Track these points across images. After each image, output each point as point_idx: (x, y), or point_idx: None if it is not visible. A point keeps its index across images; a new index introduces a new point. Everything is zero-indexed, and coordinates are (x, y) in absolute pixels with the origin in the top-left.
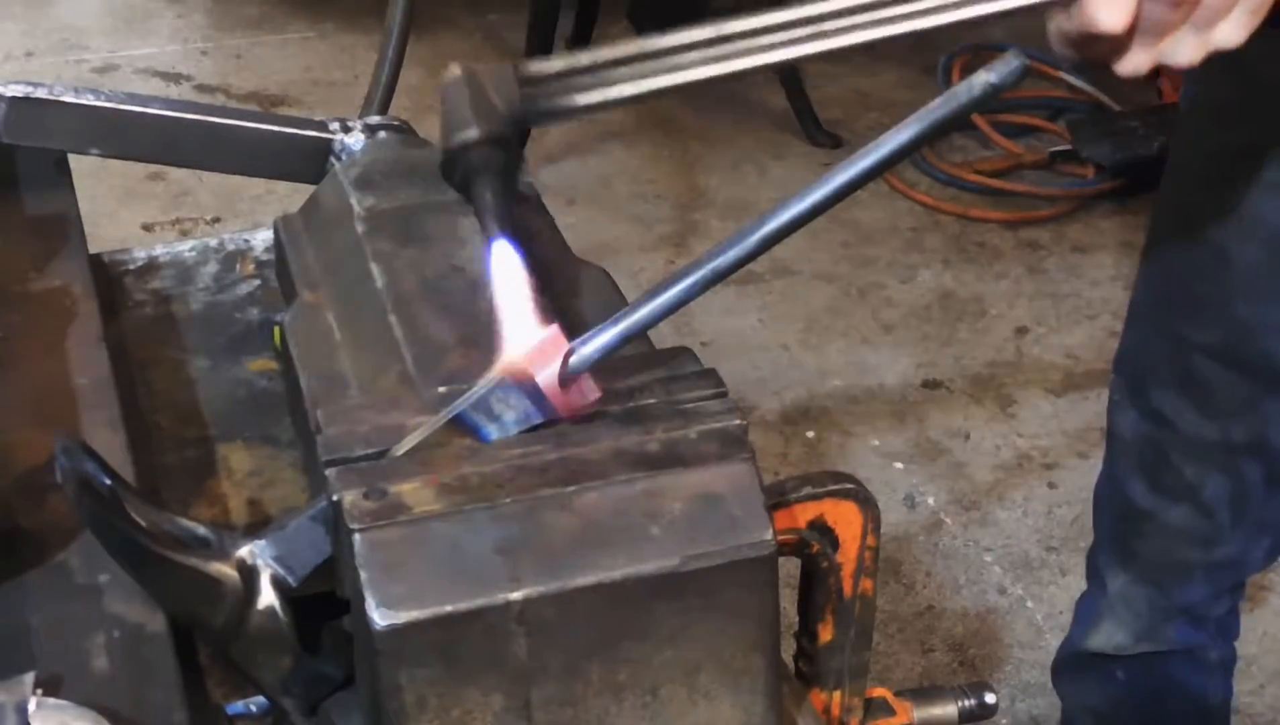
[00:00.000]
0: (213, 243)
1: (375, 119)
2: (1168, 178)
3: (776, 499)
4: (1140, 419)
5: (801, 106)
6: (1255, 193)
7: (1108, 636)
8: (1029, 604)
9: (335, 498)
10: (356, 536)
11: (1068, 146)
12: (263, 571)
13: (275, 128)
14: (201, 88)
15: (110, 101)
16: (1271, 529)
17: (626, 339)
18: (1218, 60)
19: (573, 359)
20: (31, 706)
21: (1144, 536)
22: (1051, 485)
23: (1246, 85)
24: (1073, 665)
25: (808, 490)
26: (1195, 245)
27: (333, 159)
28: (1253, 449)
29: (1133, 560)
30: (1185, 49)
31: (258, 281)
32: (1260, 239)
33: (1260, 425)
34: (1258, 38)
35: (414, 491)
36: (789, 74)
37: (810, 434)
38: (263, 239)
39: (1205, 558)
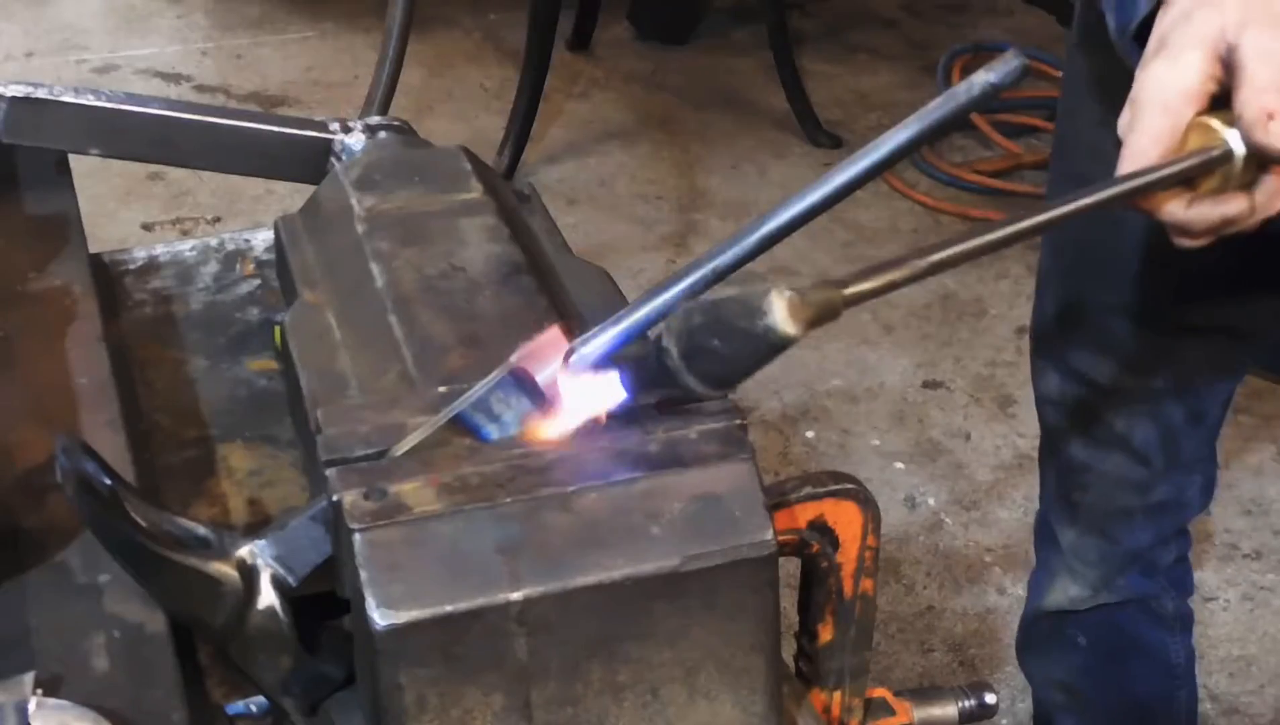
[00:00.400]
0: (213, 242)
1: (375, 119)
2: (1055, 150)
3: (776, 499)
4: (1063, 380)
5: (801, 107)
6: None
7: (1064, 591)
8: None
9: (335, 498)
10: (356, 536)
11: None
12: (263, 571)
13: (275, 128)
14: (201, 88)
15: (110, 101)
16: (1200, 467)
17: (626, 339)
18: (1096, 35)
19: (573, 359)
20: (31, 706)
21: (1085, 488)
22: None
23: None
24: (1035, 635)
25: (808, 490)
26: (1095, 219)
27: (333, 159)
28: (1172, 393)
29: (1077, 513)
30: None
31: (258, 281)
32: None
33: (1177, 370)
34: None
35: (414, 491)
36: (789, 74)
37: (810, 434)
38: (263, 239)
39: (1144, 501)
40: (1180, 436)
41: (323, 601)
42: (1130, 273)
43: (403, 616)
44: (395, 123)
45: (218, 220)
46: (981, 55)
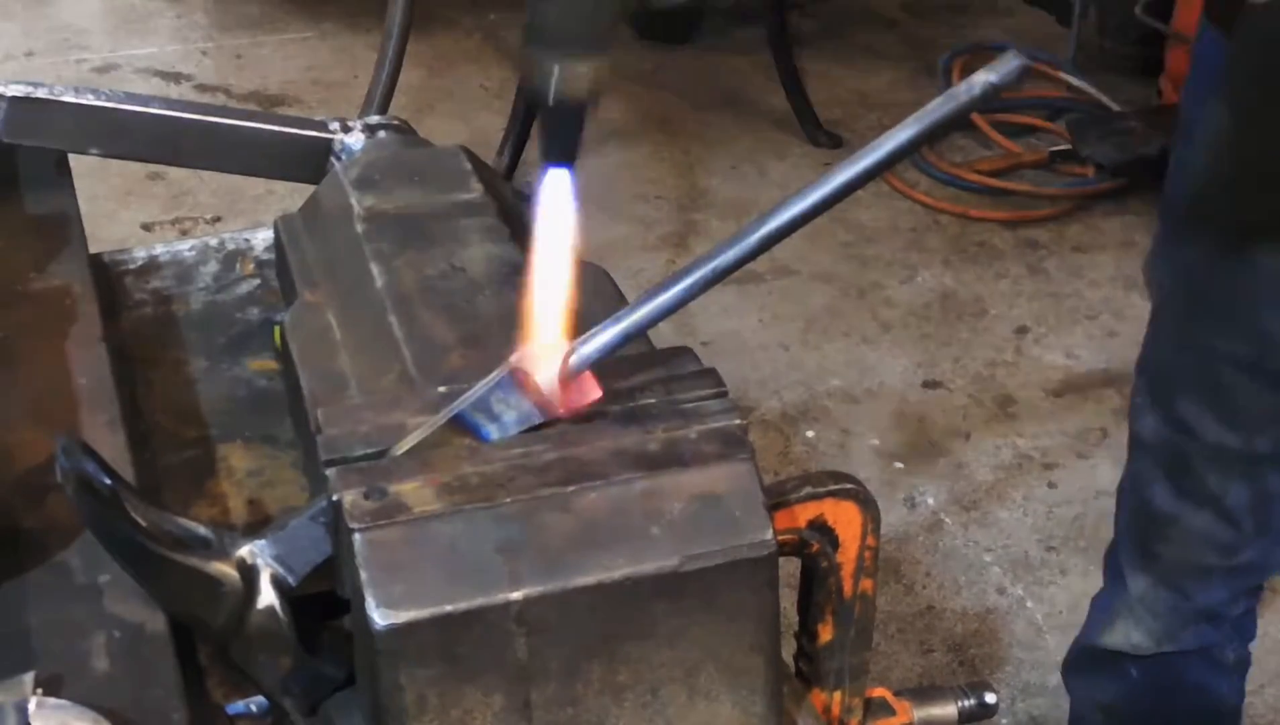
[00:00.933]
0: (213, 242)
1: (375, 119)
2: (1177, 178)
3: (776, 499)
4: (1162, 424)
5: (801, 107)
6: None
7: (1125, 636)
8: (1029, 604)
9: (335, 498)
10: (356, 536)
11: (1068, 146)
12: (263, 571)
13: (275, 127)
14: (201, 88)
15: (110, 101)
16: None
17: (626, 339)
18: (1241, 59)
19: (573, 359)
20: (31, 706)
21: (1167, 540)
22: (1051, 485)
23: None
24: (1086, 661)
25: (808, 490)
26: (1219, 252)
27: (333, 159)
28: (1277, 459)
29: (1154, 563)
30: None
31: (258, 281)
32: None
33: None
34: None
35: (414, 491)
36: (789, 74)
37: (810, 434)
38: (263, 239)
39: (1227, 563)
40: (1276, 504)
41: (323, 601)
42: (1256, 322)
43: (403, 616)
44: (395, 122)
45: (218, 220)
46: (981, 55)
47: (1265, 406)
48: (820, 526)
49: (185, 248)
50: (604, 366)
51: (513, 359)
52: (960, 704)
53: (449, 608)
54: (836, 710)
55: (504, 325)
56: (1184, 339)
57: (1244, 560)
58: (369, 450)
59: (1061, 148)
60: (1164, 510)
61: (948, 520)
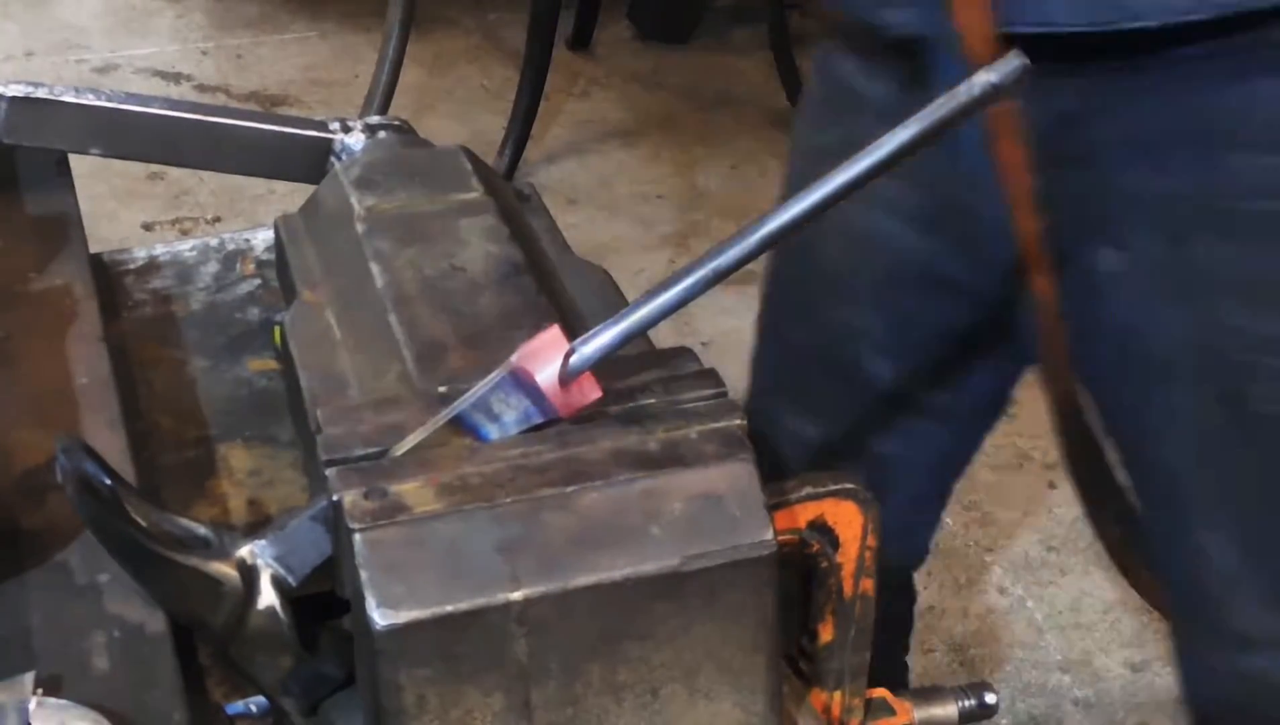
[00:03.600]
0: (213, 242)
1: (375, 119)
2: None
3: (776, 499)
4: (761, 416)
5: None
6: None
7: None
8: (1029, 604)
9: (335, 498)
10: (356, 536)
11: None
12: (263, 571)
13: (275, 127)
14: (201, 88)
15: (110, 101)
16: (894, 539)
17: (626, 339)
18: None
19: (573, 359)
20: (31, 706)
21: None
22: (1051, 485)
23: (830, 85)
24: None
25: (808, 490)
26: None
27: (333, 159)
28: (855, 455)
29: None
30: None
31: (258, 281)
32: (842, 238)
33: (860, 433)
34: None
35: (414, 491)
36: (789, 74)
37: None
38: (263, 239)
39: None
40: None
41: (323, 601)
42: (815, 311)
43: (403, 616)
44: (395, 122)
45: (218, 220)
46: None
47: (834, 399)
48: (820, 526)
49: (185, 248)
50: (604, 366)
51: (513, 359)
52: (960, 704)
53: (449, 608)
54: (836, 710)
55: (504, 325)
56: (765, 324)
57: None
58: (369, 450)
59: None
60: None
61: (948, 520)
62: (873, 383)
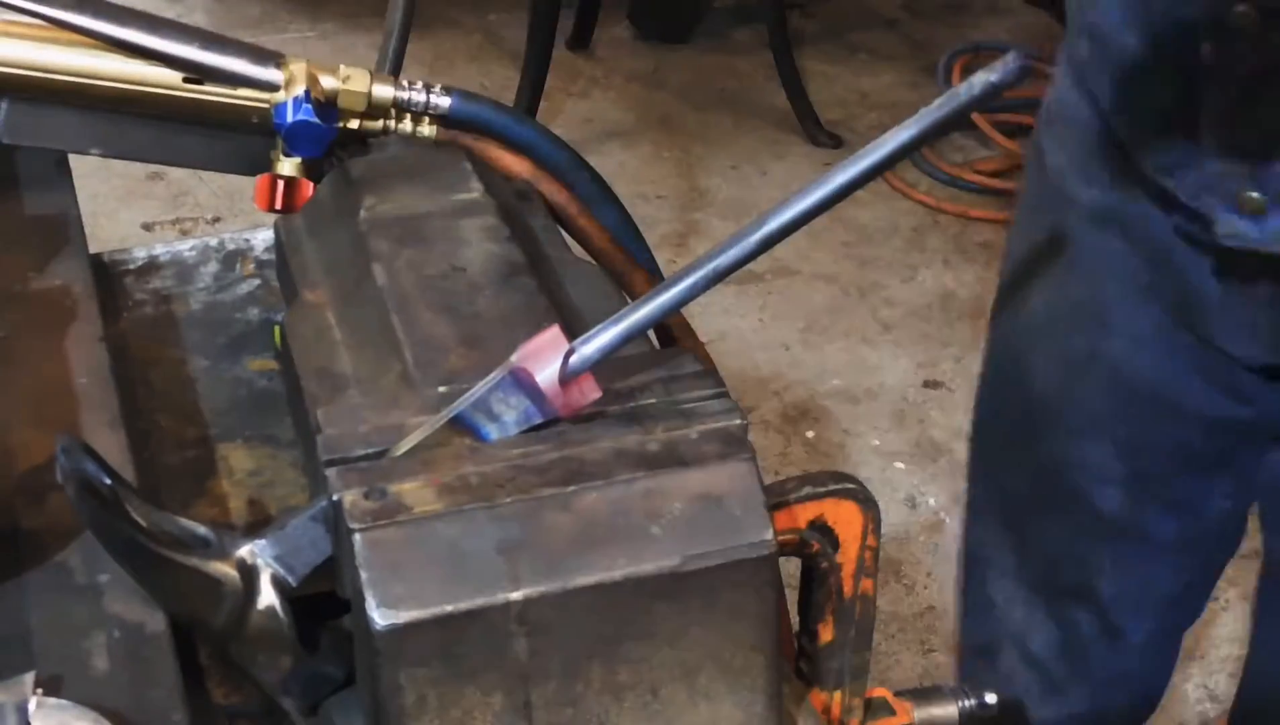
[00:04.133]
0: (213, 242)
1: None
2: (998, 290)
3: (776, 499)
4: (972, 551)
5: (802, 107)
6: (1058, 314)
7: None
8: None
9: (335, 498)
10: (356, 536)
11: None
12: (263, 571)
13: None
14: None
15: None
16: (1132, 680)
17: (626, 339)
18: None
19: (573, 359)
20: (31, 706)
21: (983, 681)
22: None
23: (1051, 196)
24: None
25: (808, 490)
26: (1006, 368)
27: (333, 158)
28: (1080, 595)
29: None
30: None
31: (258, 281)
32: (1064, 364)
33: (1085, 572)
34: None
35: (414, 491)
36: (789, 74)
37: (810, 434)
38: (263, 239)
39: (1049, 715)
40: (1090, 648)
41: (323, 601)
42: (1035, 445)
43: (403, 616)
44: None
45: (218, 220)
46: (982, 55)
47: (1059, 538)
48: (820, 526)
49: (185, 248)
50: (604, 366)
51: (513, 359)
52: (961, 704)
53: (449, 608)
54: (837, 710)
55: (504, 325)
56: (979, 461)
57: (1065, 714)
58: (369, 450)
59: None
60: (976, 644)
61: (948, 520)
62: (1100, 517)
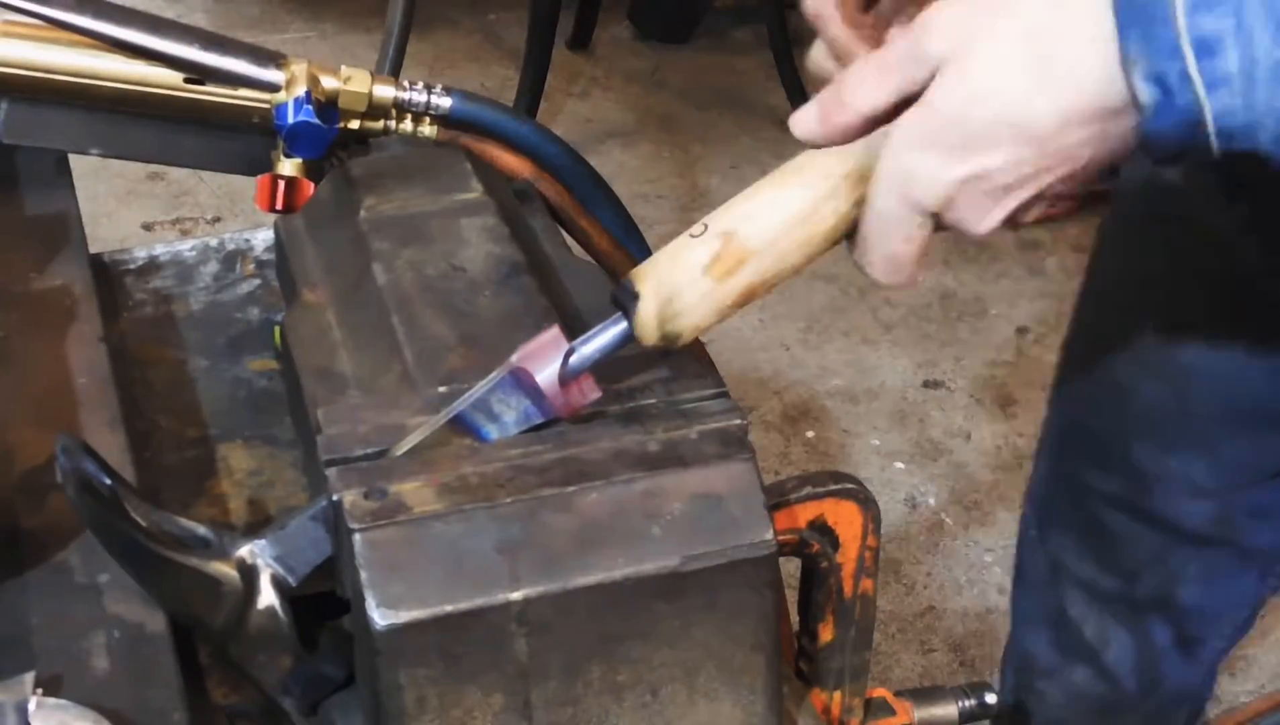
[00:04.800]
0: (213, 242)
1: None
2: (1082, 298)
3: (777, 499)
4: (1044, 562)
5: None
6: (1163, 326)
7: None
8: None
9: (335, 498)
10: (356, 536)
11: None
12: (263, 571)
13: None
14: None
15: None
16: (1190, 697)
17: (627, 339)
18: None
19: (573, 359)
20: (31, 706)
21: (1042, 698)
22: None
23: (1161, 209)
24: None
25: (808, 490)
26: (1099, 378)
27: (334, 158)
28: (1161, 606)
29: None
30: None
31: (258, 281)
32: (1165, 376)
33: (1168, 582)
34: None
35: (414, 491)
36: (789, 74)
37: (810, 434)
38: (263, 239)
39: None
40: (1163, 660)
41: (323, 601)
42: (1128, 456)
43: (403, 616)
44: None
45: (218, 220)
46: None
47: (1143, 548)
48: (820, 526)
49: (185, 248)
50: (604, 366)
51: (513, 359)
52: (960, 704)
53: (449, 608)
54: (837, 710)
55: (504, 325)
56: (1059, 470)
57: None
58: (369, 450)
59: None
60: (1041, 664)
61: (948, 520)
62: (1188, 530)
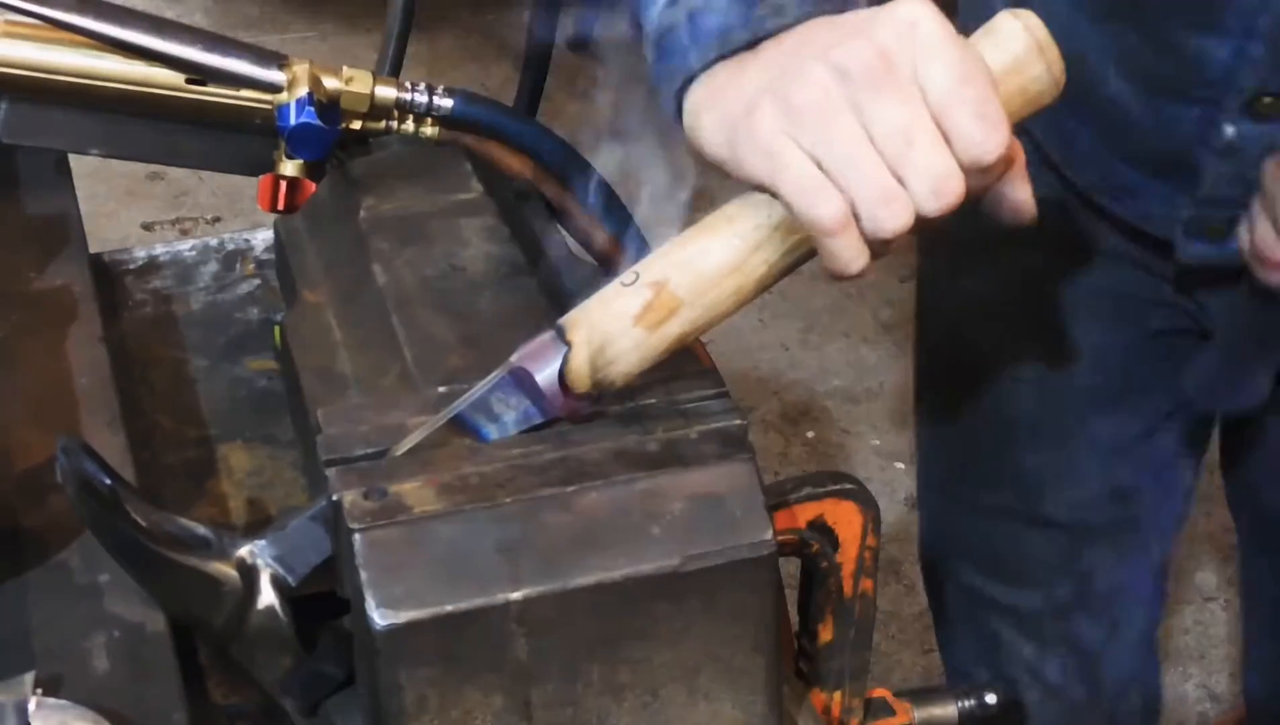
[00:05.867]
0: (213, 242)
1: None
2: (920, 322)
3: (776, 499)
4: (961, 600)
5: None
6: (1020, 331)
7: None
8: None
9: (335, 498)
10: (356, 536)
11: None
12: (263, 571)
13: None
14: None
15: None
16: (1137, 683)
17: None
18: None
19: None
20: (31, 706)
21: None
22: None
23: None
24: None
25: (808, 490)
26: (963, 397)
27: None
28: (1082, 605)
29: None
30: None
31: (258, 281)
32: (1027, 378)
33: (1082, 580)
34: None
35: (414, 491)
36: None
37: (810, 434)
38: (263, 239)
39: None
40: (1102, 658)
41: (323, 601)
42: (1011, 465)
43: (403, 616)
44: None
45: (218, 220)
46: None
47: (1051, 553)
48: (820, 526)
49: (185, 248)
50: None
51: (512, 359)
52: (960, 704)
53: (449, 608)
54: (836, 711)
55: (504, 325)
56: (953, 500)
57: None
58: (369, 450)
59: None
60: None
61: None
62: (1089, 523)
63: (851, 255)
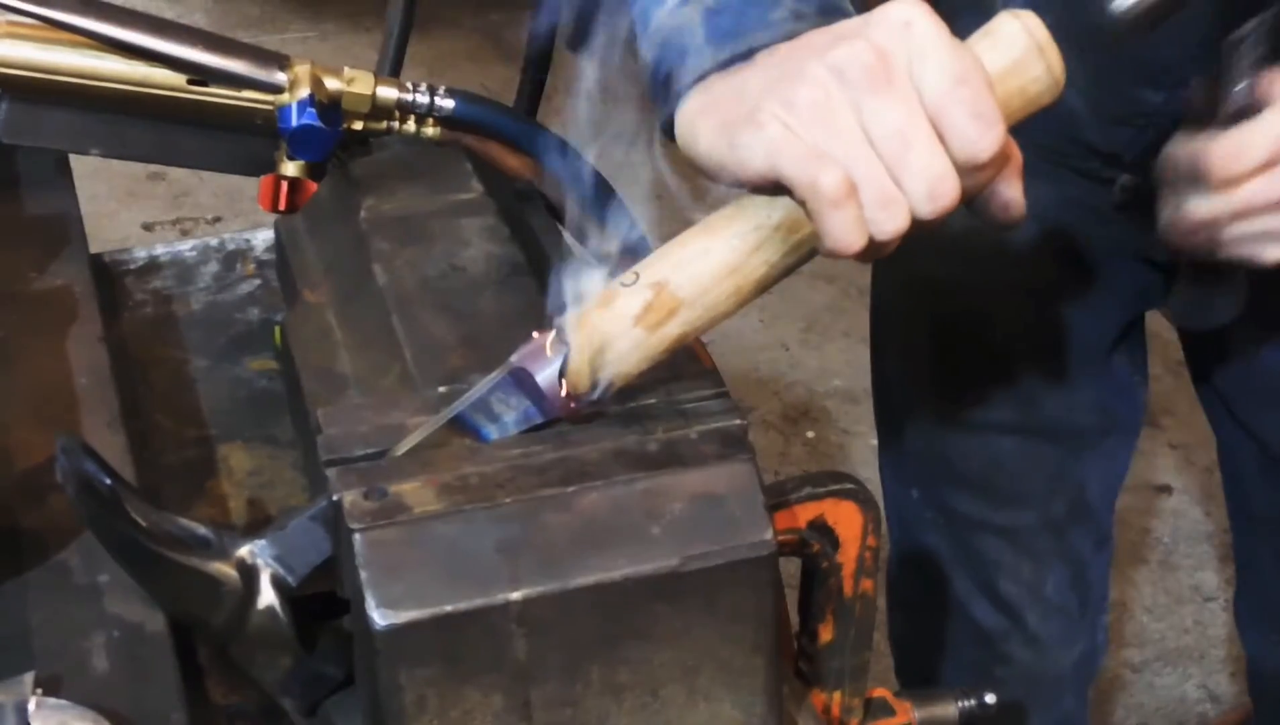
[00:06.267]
0: (213, 243)
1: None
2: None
3: (776, 499)
4: (949, 529)
5: None
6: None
7: None
8: None
9: (335, 498)
10: (356, 536)
11: None
12: (263, 571)
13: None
14: None
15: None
16: (1099, 606)
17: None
18: None
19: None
20: (31, 706)
21: (1007, 661)
22: None
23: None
24: None
25: (808, 490)
26: (954, 320)
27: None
28: (1078, 517)
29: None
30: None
31: (258, 281)
32: (1019, 296)
33: (1077, 489)
34: None
35: (414, 491)
36: None
37: (810, 434)
38: (263, 239)
39: (1071, 659)
40: (1089, 571)
41: (323, 601)
42: (1011, 380)
43: (403, 616)
44: None
45: (218, 220)
46: None
47: (1048, 465)
48: (820, 526)
49: (185, 248)
50: None
51: (513, 359)
52: (960, 704)
53: (449, 608)
54: (836, 711)
55: (504, 325)
56: (946, 423)
57: (1081, 652)
58: (369, 450)
59: None
60: (991, 628)
61: None
62: (1081, 428)
63: (852, 229)
